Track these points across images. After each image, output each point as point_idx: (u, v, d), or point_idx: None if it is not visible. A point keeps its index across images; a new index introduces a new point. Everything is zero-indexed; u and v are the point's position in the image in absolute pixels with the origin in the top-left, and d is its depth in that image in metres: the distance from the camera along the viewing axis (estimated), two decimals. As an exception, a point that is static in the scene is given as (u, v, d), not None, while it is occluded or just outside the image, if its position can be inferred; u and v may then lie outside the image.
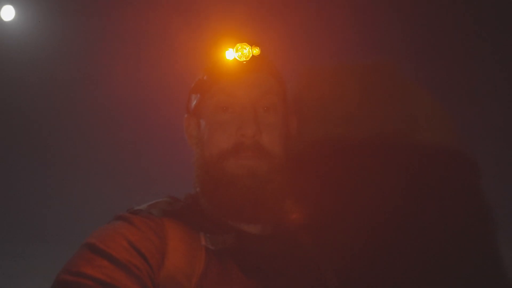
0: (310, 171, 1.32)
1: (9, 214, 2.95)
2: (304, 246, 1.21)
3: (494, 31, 1.68)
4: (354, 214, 1.31)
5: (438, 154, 1.39)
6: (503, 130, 1.69)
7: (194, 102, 1.22)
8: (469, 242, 1.33)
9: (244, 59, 1.11)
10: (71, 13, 2.56)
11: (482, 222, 1.37)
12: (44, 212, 2.91)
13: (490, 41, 1.66)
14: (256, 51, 1.13)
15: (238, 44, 1.10)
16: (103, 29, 2.44)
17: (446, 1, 1.69)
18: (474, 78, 1.74)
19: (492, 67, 1.69)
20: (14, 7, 2.58)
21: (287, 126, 1.22)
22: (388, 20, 1.74)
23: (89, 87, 2.56)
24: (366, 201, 1.32)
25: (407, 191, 1.35)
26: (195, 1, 1.77)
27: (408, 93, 1.50)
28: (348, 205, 1.33)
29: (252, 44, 1.13)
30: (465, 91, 1.74)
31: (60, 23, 2.56)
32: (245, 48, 1.10)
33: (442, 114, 1.46)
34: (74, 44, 2.56)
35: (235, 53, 1.10)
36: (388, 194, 1.33)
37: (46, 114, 2.63)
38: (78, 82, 2.58)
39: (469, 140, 1.43)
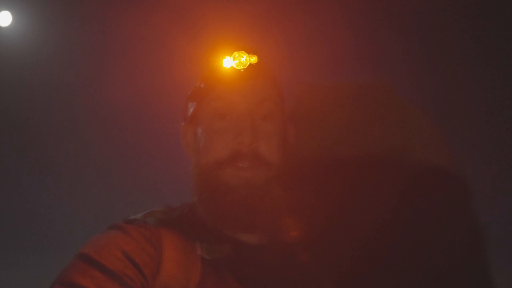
0: (306, 180, 1.32)
1: (3, 223, 2.92)
2: (301, 256, 1.19)
3: (494, 55, 1.68)
4: (350, 224, 1.32)
5: (429, 172, 1.42)
6: (496, 149, 1.69)
7: (190, 110, 1.22)
8: (462, 259, 1.37)
9: (242, 67, 1.10)
10: (69, 18, 2.56)
11: (471, 240, 1.41)
12: (38, 221, 2.87)
13: (490, 64, 1.66)
14: (253, 59, 1.12)
15: (235, 52, 1.09)
16: (100, 35, 2.43)
17: (449, 26, 1.68)
18: (470, 101, 1.73)
19: (489, 92, 1.70)
20: (12, 12, 2.57)
21: (284, 133, 1.20)
22: (388, 38, 1.74)
23: (86, 93, 2.54)
24: (363, 211, 1.33)
25: (403, 203, 1.37)
26: (193, 7, 1.76)
27: (403, 111, 1.52)
28: (345, 215, 1.33)
29: (250, 52, 1.12)
30: (459, 112, 1.73)
31: (58, 29, 2.55)
32: (242, 56, 1.09)
33: (436, 133, 1.49)
34: (71, 49, 2.55)
35: (232, 61, 1.09)
36: (384, 204, 1.34)
37: (44, 121, 2.61)
38: (75, 87, 2.57)
39: (461, 159, 1.46)
